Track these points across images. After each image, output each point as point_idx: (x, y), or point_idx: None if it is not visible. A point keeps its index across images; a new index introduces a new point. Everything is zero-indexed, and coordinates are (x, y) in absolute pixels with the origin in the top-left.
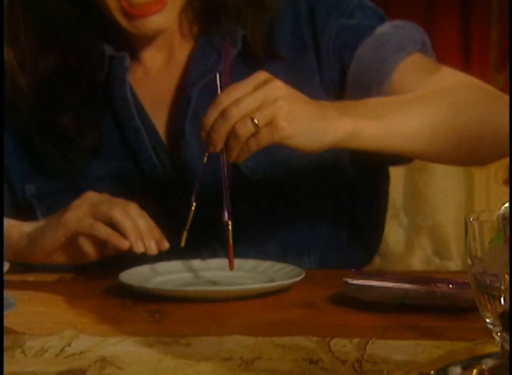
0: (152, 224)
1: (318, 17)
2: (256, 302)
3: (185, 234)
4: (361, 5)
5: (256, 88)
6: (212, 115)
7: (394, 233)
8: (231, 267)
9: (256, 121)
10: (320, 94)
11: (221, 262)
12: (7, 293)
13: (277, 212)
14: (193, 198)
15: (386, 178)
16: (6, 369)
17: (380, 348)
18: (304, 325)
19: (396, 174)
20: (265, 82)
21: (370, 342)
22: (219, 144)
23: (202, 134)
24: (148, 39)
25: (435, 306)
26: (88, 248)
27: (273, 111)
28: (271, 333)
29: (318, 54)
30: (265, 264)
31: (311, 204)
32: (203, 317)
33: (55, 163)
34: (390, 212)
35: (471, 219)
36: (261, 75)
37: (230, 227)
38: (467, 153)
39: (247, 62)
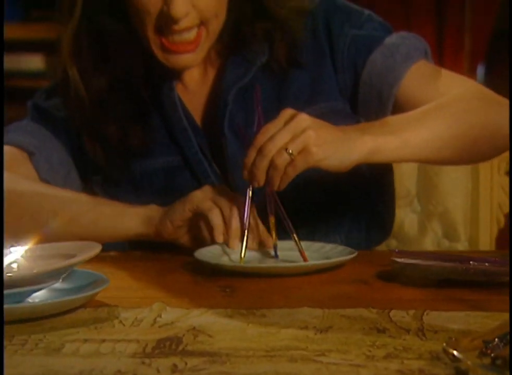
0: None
1: (334, 28)
2: (314, 277)
3: (244, 250)
4: (370, 18)
5: (286, 123)
6: (251, 154)
7: (408, 218)
8: (304, 259)
9: (290, 151)
10: (335, 96)
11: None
12: (96, 272)
13: (308, 202)
14: (246, 225)
15: (390, 170)
16: (107, 337)
17: (435, 318)
18: (361, 299)
19: (410, 166)
20: (292, 117)
21: (425, 314)
22: (261, 178)
23: (244, 173)
24: None
25: (474, 281)
26: (205, 234)
27: (304, 139)
28: (334, 305)
29: (334, 61)
30: (316, 245)
31: (335, 195)
32: (271, 292)
33: (101, 165)
34: (404, 200)
35: None
36: (288, 112)
37: (295, 236)
38: (471, 154)
39: (273, 70)
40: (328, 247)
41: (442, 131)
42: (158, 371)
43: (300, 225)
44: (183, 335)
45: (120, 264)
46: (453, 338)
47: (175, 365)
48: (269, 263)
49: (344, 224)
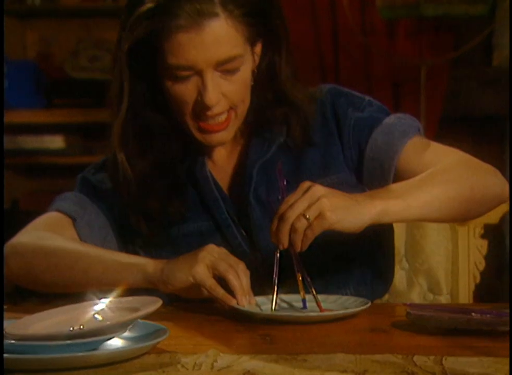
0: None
1: (340, 112)
2: (338, 326)
3: (275, 302)
4: (370, 103)
5: (303, 193)
6: (275, 221)
7: (398, 274)
8: (320, 309)
9: (308, 216)
10: (344, 169)
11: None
12: (157, 323)
13: (322, 260)
14: (275, 281)
15: (390, 230)
16: None
17: (453, 363)
18: (384, 345)
19: (400, 230)
20: (309, 188)
21: (443, 359)
22: (285, 241)
23: (271, 238)
24: None
25: (478, 330)
26: (206, 294)
27: (319, 206)
28: (363, 351)
29: (342, 139)
30: (331, 297)
31: (345, 253)
32: (305, 339)
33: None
34: (395, 258)
35: None
36: (305, 184)
37: (314, 290)
38: (465, 213)
39: (290, 147)
40: (343, 299)
41: (439, 194)
42: None
43: (315, 279)
44: None
45: (166, 315)
46: None
47: None
48: (300, 313)
49: (353, 278)
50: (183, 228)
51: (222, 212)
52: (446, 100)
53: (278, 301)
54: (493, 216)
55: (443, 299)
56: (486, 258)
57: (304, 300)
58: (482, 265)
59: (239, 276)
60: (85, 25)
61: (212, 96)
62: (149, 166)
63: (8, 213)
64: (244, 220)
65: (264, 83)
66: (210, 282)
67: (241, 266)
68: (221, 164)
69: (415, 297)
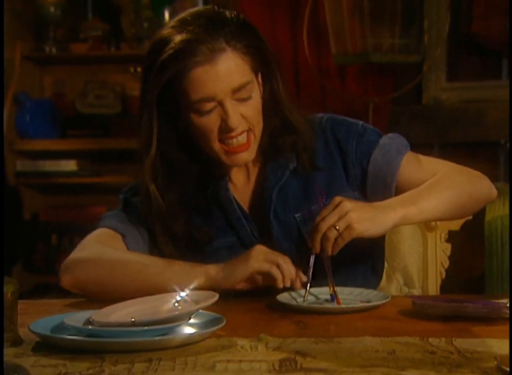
0: (295, 269)
1: (340, 138)
2: (356, 316)
3: (307, 294)
4: (364, 127)
5: (334, 208)
6: (309, 231)
7: None
8: (338, 303)
9: (337, 227)
10: (345, 188)
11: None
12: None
13: (338, 258)
14: (310, 276)
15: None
16: (241, 358)
17: (462, 343)
18: (399, 330)
19: None
20: (339, 203)
21: (453, 340)
22: (317, 247)
23: (308, 244)
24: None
25: (472, 317)
26: (261, 281)
27: (348, 219)
28: (384, 334)
29: (345, 162)
30: (347, 289)
31: (350, 255)
32: (333, 325)
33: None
34: None
35: None
36: (337, 199)
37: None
38: (463, 212)
39: (299, 172)
40: (357, 291)
41: (444, 199)
42: None
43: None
44: (295, 357)
45: (212, 307)
46: (498, 358)
47: None
48: (328, 305)
49: (359, 273)
50: (212, 244)
51: (246, 230)
52: (387, 130)
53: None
54: (455, 224)
55: (416, 291)
56: (450, 258)
57: (332, 295)
58: (446, 264)
59: (286, 263)
60: (92, 70)
61: (235, 119)
62: (177, 196)
63: (29, 223)
64: (264, 235)
65: (271, 109)
66: (267, 266)
67: (287, 257)
68: (241, 187)
69: (393, 290)
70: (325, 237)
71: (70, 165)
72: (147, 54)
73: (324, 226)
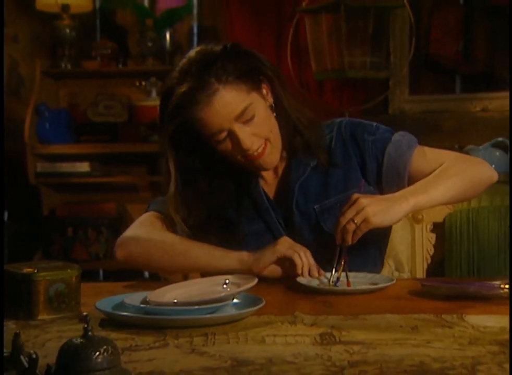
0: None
1: (357, 137)
2: (372, 296)
3: (332, 277)
4: (378, 127)
5: (352, 204)
6: (334, 225)
7: None
8: (348, 285)
9: (355, 221)
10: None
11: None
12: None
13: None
14: (335, 275)
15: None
16: (284, 333)
17: (471, 319)
18: (414, 308)
19: None
20: (356, 199)
21: (463, 316)
22: (338, 238)
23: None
24: None
25: (473, 297)
26: (288, 266)
27: (364, 214)
28: (402, 311)
29: (362, 158)
30: (361, 274)
31: (364, 243)
32: (355, 304)
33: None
34: None
35: None
36: (354, 197)
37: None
38: (466, 196)
39: (319, 169)
40: (369, 275)
41: (450, 185)
42: (341, 353)
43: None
44: (331, 331)
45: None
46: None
47: (346, 351)
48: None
49: (368, 260)
50: (244, 229)
51: (272, 218)
52: None
53: (322, 278)
54: (439, 216)
55: (405, 275)
56: (434, 246)
57: (338, 278)
58: (431, 251)
59: (307, 255)
60: (102, 84)
61: (247, 141)
62: (203, 217)
63: (48, 218)
64: (288, 223)
65: (281, 112)
66: (291, 252)
67: (308, 251)
68: (269, 181)
69: (386, 274)
70: (344, 230)
71: (83, 166)
72: (160, 102)
73: (343, 221)
